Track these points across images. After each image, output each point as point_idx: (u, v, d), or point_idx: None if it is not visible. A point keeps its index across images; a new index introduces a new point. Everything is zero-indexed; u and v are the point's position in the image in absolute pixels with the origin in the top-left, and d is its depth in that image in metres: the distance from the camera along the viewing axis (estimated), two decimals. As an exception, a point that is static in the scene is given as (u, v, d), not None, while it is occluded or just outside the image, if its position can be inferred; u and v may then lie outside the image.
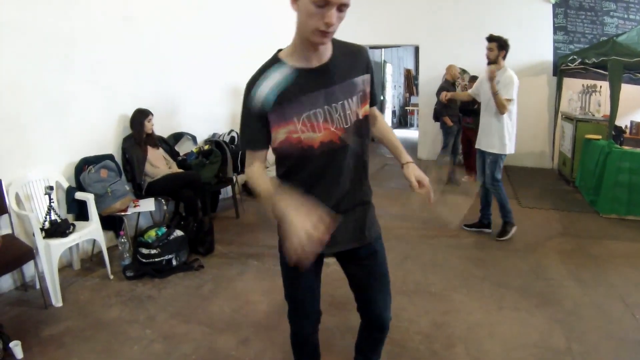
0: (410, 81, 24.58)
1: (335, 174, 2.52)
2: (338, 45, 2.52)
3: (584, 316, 4.67)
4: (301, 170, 2.52)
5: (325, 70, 2.42)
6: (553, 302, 4.97)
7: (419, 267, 5.81)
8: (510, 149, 6.45)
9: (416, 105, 18.59)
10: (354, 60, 2.55)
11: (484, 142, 6.62)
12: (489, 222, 7.09)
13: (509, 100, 6.25)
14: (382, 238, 2.92)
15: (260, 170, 2.54)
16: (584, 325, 4.50)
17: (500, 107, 6.28)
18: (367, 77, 2.59)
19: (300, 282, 2.85)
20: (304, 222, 2.05)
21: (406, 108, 23.70)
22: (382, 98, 20.14)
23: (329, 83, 2.43)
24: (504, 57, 6.46)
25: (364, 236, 2.77)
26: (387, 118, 21.64)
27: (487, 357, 3.98)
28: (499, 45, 6.41)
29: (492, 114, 6.46)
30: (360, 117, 2.56)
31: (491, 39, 6.48)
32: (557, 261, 6.03)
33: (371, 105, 2.68)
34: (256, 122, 2.44)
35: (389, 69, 21.94)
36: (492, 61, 6.45)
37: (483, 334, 4.35)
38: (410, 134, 18.87)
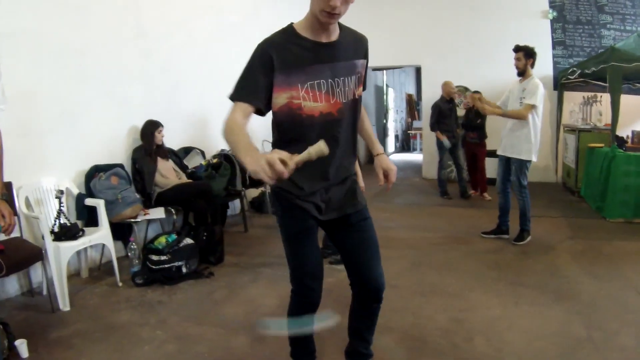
0: (412, 106, 24.68)
1: (332, 144, 2.53)
2: (345, 29, 2.73)
3: (601, 307, 4.65)
4: (300, 139, 2.60)
5: (333, 47, 2.62)
6: (569, 296, 4.94)
7: (434, 270, 5.77)
8: (535, 154, 6.48)
9: (419, 129, 18.66)
10: (357, 45, 2.78)
11: (510, 149, 6.63)
12: (506, 228, 7.10)
13: (532, 106, 6.28)
14: (368, 209, 3.06)
15: (241, 123, 2.57)
16: (602, 315, 4.47)
17: (518, 117, 6.40)
18: (364, 62, 2.83)
19: (304, 244, 2.90)
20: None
21: (409, 132, 23.77)
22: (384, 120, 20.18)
23: (335, 59, 2.63)
24: (532, 66, 6.51)
25: (357, 202, 2.95)
26: (390, 142, 21.64)
27: (509, 348, 3.92)
28: (525, 54, 6.45)
29: (518, 122, 6.49)
30: (356, 96, 2.79)
31: (518, 49, 6.53)
32: (570, 261, 6.01)
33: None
34: (260, 75, 2.54)
35: (391, 93, 21.91)
36: (521, 71, 6.50)
37: (503, 327, 4.30)
38: (414, 157, 18.94)
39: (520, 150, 6.47)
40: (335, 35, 2.62)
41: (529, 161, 6.49)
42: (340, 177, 2.85)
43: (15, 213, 4.83)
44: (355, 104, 2.78)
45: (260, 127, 2.79)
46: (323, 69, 2.58)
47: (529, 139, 6.40)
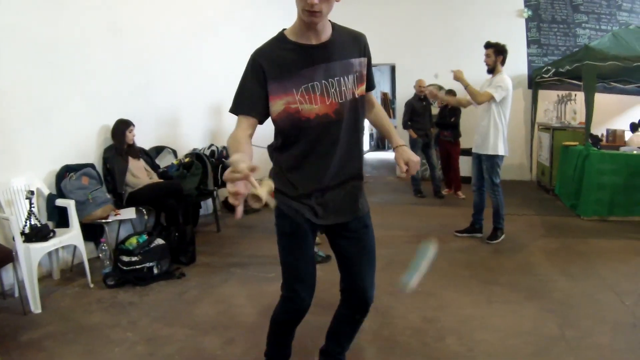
0: (387, 104, 24.67)
1: (330, 146, 2.64)
2: (339, 29, 2.69)
3: (574, 305, 4.67)
4: (297, 141, 2.65)
5: (324, 48, 2.58)
6: (543, 294, 4.95)
7: (405, 269, 5.71)
8: (503, 150, 6.51)
9: (394, 127, 18.67)
10: (352, 43, 2.72)
11: (479, 145, 6.68)
12: (480, 226, 7.11)
13: (492, 96, 6.33)
14: (370, 215, 3.00)
15: (242, 135, 2.53)
16: (575, 313, 4.49)
17: (473, 97, 6.44)
18: (363, 60, 2.75)
19: (295, 247, 2.85)
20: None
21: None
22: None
23: (327, 59, 2.58)
24: (502, 63, 6.55)
25: (357, 209, 2.87)
26: (365, 141, 21.57)
27: (481, 347, 3.92)
28: (496, 51, 6.50)
29: (486, 118, 6.54)
30: (356, 96, 2.70)
31: (488, 45, 6.58)
32: (543, 259, 6.03)
33: (368, 89, 2.83)
34: (254, 86, 2.56)
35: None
36: (491, 67, 6.55)
37: (475, 325, 4.30)
38: (388, 155, 18.94)
39: (487, 146, 6.51)
40: (326, 35, 2.60)
41: (500, 158, 6.54)
42: (338, 180, 2.77)
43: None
44: (355, 104, 2.72)
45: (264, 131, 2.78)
46: (316, 70, 2.57)
47: (495, 134, 6.45)
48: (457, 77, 6.46)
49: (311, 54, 2.55)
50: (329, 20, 2.61)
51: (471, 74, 6.68)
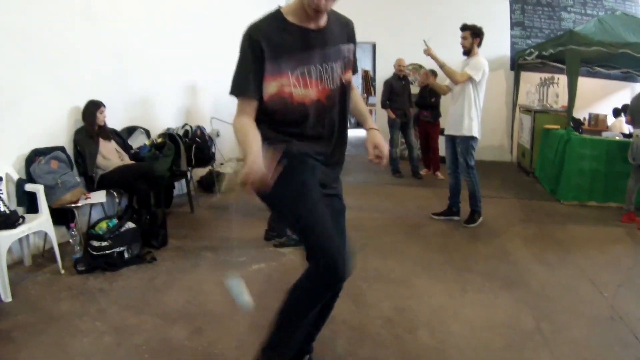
0: (368, 82, 24.60)
1: (321, 132, 2.70)
2: (330, 13, 2.67)
3: (551, 297, 4.63)
4: (293, 124, 2.64)
5: (321, 33, 2.60)
6: (519, 284, 4.91)
7: (379, 254, 5.71)
8: (477, 131, 6.48)
9: (373, 105, 18.61)
10: (342, 29, 2.77)
11: (453, 127, 6.65)
12: (457, 209, 7.10)
13: (470, 77, 6.32)
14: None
15: (247, 122, 2.53)
16: (552, 305, 4.45)
17: (451, 76, 6.42)
18: (352, 46, 2.81)
19: (317, 203, 2.60)
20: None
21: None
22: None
23: (323, 45, 2.61)
24: (479, 45, 6.53)
25: (336, 185, 3.02)
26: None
27: (453, 339, 3.88)
28: (472, 34, 6.49)
29: (460, 99, 6.53)
30: (345, 81, 2.75)
31: (464, 27, 6.56)
32: (520, 246, 6.00)
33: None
34: (252, 65, 2.49)
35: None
36: (467, 50, 6.54)
37: (447, 316, 4.25)
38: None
39: (462, 128, 6.49)
40: (323, 21, 2.60)
41: (475, 140, 6.51)
42: (335, 161, 2.88)
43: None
44: (343, 90, 2.75)
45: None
46: (313, 55, 2.56)
47: (469, 115, 6.44)
48: (429, 53, 6.50)
49: (309, 38, 2.55)
50: None
51: (451, 56, 6.64)
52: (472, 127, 6.42)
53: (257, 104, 2.54)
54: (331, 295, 2.91)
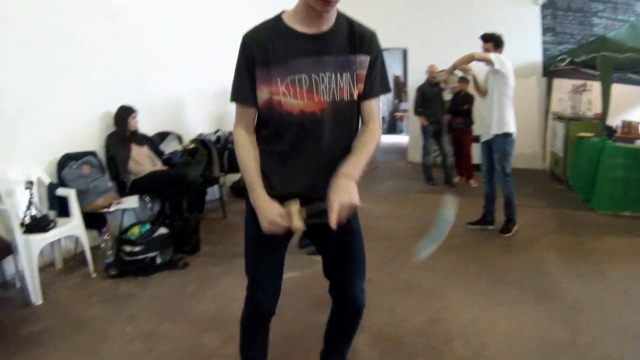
0: (399, 88, 24.57)
1: (313, 149, 2.42)
2: (347, 20, 2.46)
3: (585, 309, 4.53)
4: (278, 137, 2.45)
5: (321, 39, 2.36)
6: (553, 296, 4.82)
7: (411, 265, 5.63)
8: (513, 127, 6.39)
9: (405, 111, 18.54)
10: (356, 39, 2.43)
11: (487, 128, 6.57)
12: (492, 218, 7.01)
13: (490, 60, 6.22)
14: (358, 219, 2.76)
15: (248, 142, 2.48)
16: (586, 318, 4.35)
17: (467, 57, 6.37)
18: (366, 59, 2.45)
19: (259, 251, 2.71)
20: (269, 213, 2.34)
21: (395, 114, 23.71)
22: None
23: (320, 52, 2.36)
24: (501, 53, 6.44)
25: None
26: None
27: (488, 351, 3.81)
28: (495, 44, 6.47)
29: (489, 102, 6.49)
30: (354, 97, 2.46)
31: (486, 38, 6.53)
32: (554, 257, 5.89)
33: (364, 98, 2.51)
34: (246, 73, 2.38)
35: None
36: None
37: (482, 328, 4.18)
38: (400, 139, 18.83)
39: (498, 125, 6.39)
40: (328, 25, 2.37)
41: (510, 143, 6.42)
42: (319, 189, 2.37)
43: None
44: (351, 107, 2.47)
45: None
46: (306, 62, 2.35)
47: (501, 112, 6.36)
48: (447, 78, 6.92)
49: (305, 44, 2.35)
50: (337, 10, 2.38)
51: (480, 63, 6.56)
52: (509, 123, 6.34)
53: (255, 111, 2.47)
54: (344, 315, 2.90)
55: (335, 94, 2.40)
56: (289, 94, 2.35)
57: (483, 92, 6.88)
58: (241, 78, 2.42)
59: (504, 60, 6.25)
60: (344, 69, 2.40)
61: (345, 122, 2.48)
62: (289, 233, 2.55)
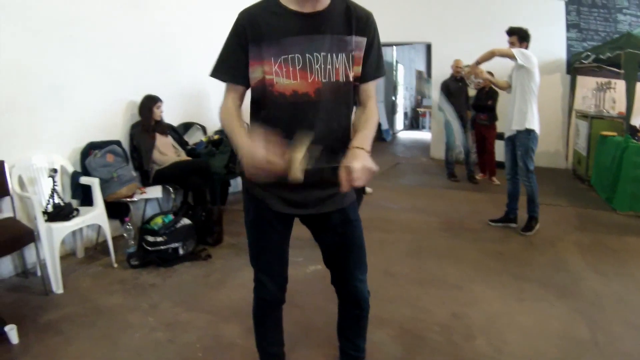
0: (422, 83, 24.56)
1: (306, 132, 2.29)
2: (343, 1, 2.42)
3: (606, 307, 4.49)
4: (270, 119, 2.41)
5: (315, 18, 2.33)
6: (574, 293, 4.78)
7: (435, 258, 5.64)
8: (537, 125, 6.33)
9: (428, 107, 18.49)
10: (353, 19, 2.40)
11: (511, 124, 6.51)
12: (515, 216, 6.97)
13: (514, 55, 6.19)
14: (357, 209, 2.75)
15: (235, 111, 2.45)
16: (607, 316, 4.32)
17: (496, 52, 6.29)
18: (362, 40, 2.42)
19: (260, 237, 2.72)
20: (255, 159, 2.09)
21: (417, 110, 23.66)
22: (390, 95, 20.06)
23: (314, 31, 2.33)
24: (527, 49, 6.37)
25: (337, 199, 2.58)
26: (399, 120, 21.53)
27: (509, 348, 3.79)
28: (519, 38, 6.37)
29: (514, 97, 6.44)
30: (350, 79, 2.43)
31: (511, 32, 6.45)
32: (576, 255, 5.85)
33: (362, 80, 2.50)
34: (237, 49, 2.38)
35: (400, 70, 21.83)
36: None
37: (504, 324, 4.16)
38: (422, 135, 18.80)
39: (521, 121, 6.34)
40: (322, 4, 2.34)
41: (534, 139, 6.35)
42: (316, 175, 2.32)
43: (7, 193, 4.75)
44: (347, 89, 2.44)
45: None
46: (299, 41, 2.32)
47: (527, 109, 6.30)
48: (475, 70, 6.64)
49: (299, 22, 2.32)
50: None
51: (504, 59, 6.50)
52: (531, 120, 6.27)
53: (243, 89, 2.47)
54: (346, 305, 2.91)
55: (331, 74, 2.37)
56: (282, 74, 2.32)
57: (504, 87, 6.85)
58: (227, 55, 2.43)
59: (529, 54, 6.20)
60: (340, 50, 2.37)
61: (341, 104, 2.46)
62: (288, 220, 2.67)
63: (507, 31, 6.46)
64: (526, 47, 6.37)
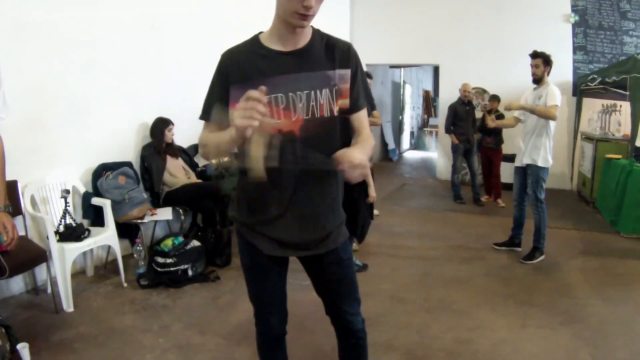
0: (429, 103, 24.59)
1: (294, 167, 2.31)
2: (322, 36, 2.44)
3: (610, 334, 4.53)
4: None
5: (297, 56, 2.35)
6: (578, 319, 4.83)
7: (442, 284, 5.69)
8: (548, 162, 6.32)
9: (435, 126, 18.53)
10: (334, 53, 2.40)
11: (527, 157, 6.44)
12: (519, 241, 6.97)
13: (556, 106, 6.05)
14: (348, 249, 2.73)
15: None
16: (610, 342, 4.36)
17: (546, 115, 6.12)
18: (346, 72, 2.40)
19: (258, 280, 2.73)
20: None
21: (424, 129, 23.68)
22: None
23: (297, 69, 2.33)
24: (549, 73, 6.35)
25: (328, 241, 2.58)
26: (405, 139, 21.57)
27: (513, 375, 3.83)
28: (544, 61, 6.29)
29: (536, 130, 6.34)
30: (335, 113, 2.38)
31: (536, 55, 6.36)
32: (581, 280, 5.89)
33: (352, 111, 2.47)
34: (220, 91, 2.40)
35: (407, 90, 21.91)
36: (539, 78, 6.33)
37: (508, 351, 4.21)
38: (428, 155, 18.83)
39: (538, 157, 6.29)
40: (304, 41, 2.36)
41: (546, 170, 6.34)
42: (304, 205, 2.43)
43: (20, 212, 4.81)
44: (332, 123, 2.40)
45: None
46: (282, 81, 2.30)
47: (545, 146, 6.26)
48: (516, 107, 6.36)
49: (281, 62, 2.33)
50: (310, 25, 2.37)
51: (514, 79, 6.53)
52: (545, 157, 6.26)
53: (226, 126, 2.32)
54: (346, 336, 2.88)
55: (315, 110, 2.35)
56: (266, 114, 2.19)
57: (513, 125, 6.87)
58: (213, 97, 2.46)
59: (559, 94, 6.15)
60: (323, 85, 2.35)
61: (324, 138, 2.40)
62: (283, 260, 2.68)
63: (531, 54, 6.39)
64: (549, 72, 6.34)
